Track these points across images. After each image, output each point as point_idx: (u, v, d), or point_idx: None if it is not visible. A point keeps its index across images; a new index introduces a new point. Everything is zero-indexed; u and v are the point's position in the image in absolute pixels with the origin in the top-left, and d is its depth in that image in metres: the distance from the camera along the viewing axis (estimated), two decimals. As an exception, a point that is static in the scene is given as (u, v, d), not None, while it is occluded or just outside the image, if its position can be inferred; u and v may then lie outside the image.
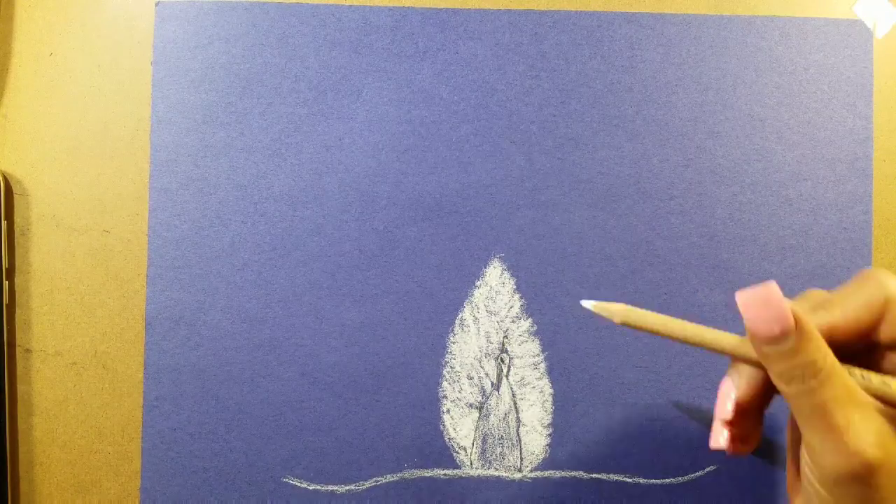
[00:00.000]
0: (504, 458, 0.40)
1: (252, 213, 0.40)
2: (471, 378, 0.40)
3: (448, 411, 0.40)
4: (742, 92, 0.41)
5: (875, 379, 0.29)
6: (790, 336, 0.28)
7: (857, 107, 0.41)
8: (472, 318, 0.40)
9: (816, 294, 0.31)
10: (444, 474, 0.40)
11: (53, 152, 0.40)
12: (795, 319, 0.28)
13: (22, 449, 0.40)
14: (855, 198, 0.41)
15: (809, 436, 0.29)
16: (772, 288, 0.28)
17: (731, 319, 0.40)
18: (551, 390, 0.40)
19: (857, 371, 0.29)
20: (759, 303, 0.28)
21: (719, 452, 0.40)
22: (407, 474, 0.40)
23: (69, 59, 0.40)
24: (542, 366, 0.40)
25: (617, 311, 0.32)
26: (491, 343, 0.40)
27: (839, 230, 0.40)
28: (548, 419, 0.40)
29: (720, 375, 0.41)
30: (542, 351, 0.40)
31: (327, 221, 0.40)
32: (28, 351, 0.40)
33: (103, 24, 0.41)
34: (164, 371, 0.40)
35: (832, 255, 0.40)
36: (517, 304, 0.40)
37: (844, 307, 0.30)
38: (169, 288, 0.40)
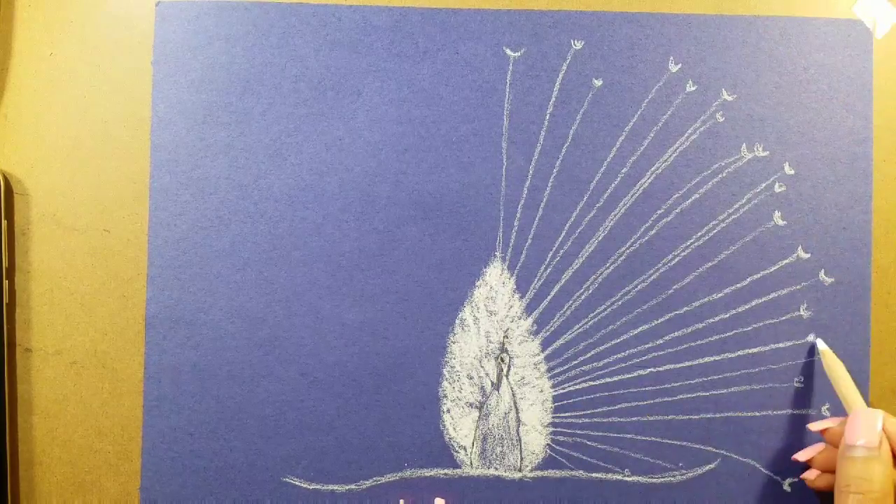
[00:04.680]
0: (504, 458, 0.40)
1: (252, 213, 0.40)
2: (471, 378, 0.40)
3: (448, 411, 0.40)
4: (742, 92, 0.41)
5: None
6: (872, 448, 0.33)
7: (857, 107, 0.41)
8: (472, 318, 0.40)
9: None
10: (444, 474, 0.40)
11: (53, 152, 0.40)
12: (881, 440, 0.33)
13: (22, 448, 0.40)
14: (855, 198, 0.41)
15: None
16: (879, 416, 0.34)
17: (728, 319, 0.40)
18: (551, 390, 0.40)
19: None
20: (864, 421, 0.34)
21: (718, 453, 0.40)
22: (407, 474, 0.40)
23: (69, 59, 0.40)
24: (542, 366, 0.40)
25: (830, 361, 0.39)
26: (491, 343, 0.40)
27: (839, 230, 0.40)
28: (548, 419, 0.40)
29: (718, 376, 0.41)
30: (542, 351, 0.40)
31: (327, 221, 0.40)
32: (28, 350, 0.40)
33: (103, 24, 0.41)
34: (164, 371, 0.40)
35: (832, 255, 0.40)
36: (517, 304, 0.40)
37: None
38: (169, 288, 0.40)
